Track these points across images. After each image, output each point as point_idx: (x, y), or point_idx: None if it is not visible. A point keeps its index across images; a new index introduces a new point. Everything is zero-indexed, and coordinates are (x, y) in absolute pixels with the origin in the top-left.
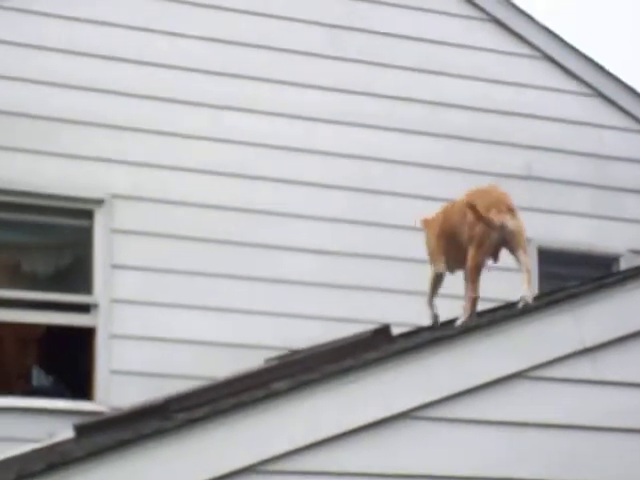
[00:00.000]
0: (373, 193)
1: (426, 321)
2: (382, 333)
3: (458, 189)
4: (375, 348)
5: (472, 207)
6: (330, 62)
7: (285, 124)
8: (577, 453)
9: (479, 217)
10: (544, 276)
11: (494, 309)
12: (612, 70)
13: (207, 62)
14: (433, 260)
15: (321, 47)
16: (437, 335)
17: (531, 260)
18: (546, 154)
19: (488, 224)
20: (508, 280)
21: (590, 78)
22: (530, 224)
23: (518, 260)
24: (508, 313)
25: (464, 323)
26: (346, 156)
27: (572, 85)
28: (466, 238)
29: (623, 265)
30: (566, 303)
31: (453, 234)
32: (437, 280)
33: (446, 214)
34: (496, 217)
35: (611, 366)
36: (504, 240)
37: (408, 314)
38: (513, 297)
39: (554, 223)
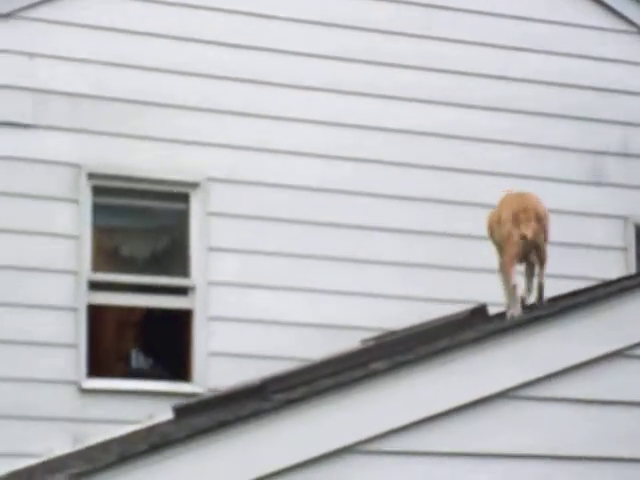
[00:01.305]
0: (464, 172)
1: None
2: (479, 313)
3: (552, 167)
4: (472, 328)
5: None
6: (418, 41)
7: (376, 104)
8: None
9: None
10: None
11: (590, 288)
12: None
13: (300, 44)
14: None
15: (404, 25)
16: (534, 314)
17: (629, 238)
18: None
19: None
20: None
21: None
22: (626, 201)
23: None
24: (606, 292)
25: (511, 314)
26: (432, 135)
27: None
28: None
29: None
30: None
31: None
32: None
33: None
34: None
35: None
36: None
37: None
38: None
39: None
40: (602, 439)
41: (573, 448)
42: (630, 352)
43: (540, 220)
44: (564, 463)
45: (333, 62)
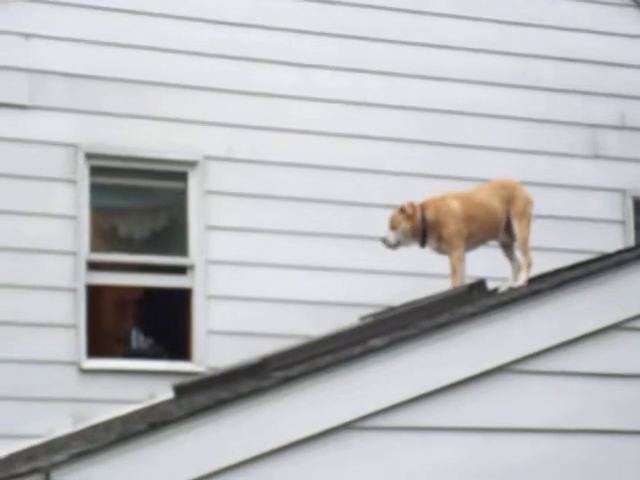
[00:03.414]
0: (461, 147)
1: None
2: (478, 288)
3: (550, 141)
4: (471, 303)
5: None
6: (417, 17)
7: (375, 81)
8: None
9: None
10: None
11: (588, 261)
12: None
13: (299, 21)
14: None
15: (408, 2)
16: (534, 288)
17: (627, 211)
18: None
19: None
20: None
21: None
22: (624, 174)
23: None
24: (604, 265)
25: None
26: (430, 110)
27: None
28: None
29: None
30: None
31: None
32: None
33: (470, 197)
34: None
35: None
36: None
37: (503, 269)
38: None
39: None
40: (601, 412)
41: (574, 421)
42: (629, 325)
43: None
44: (564, 436)
45: (328, 38)
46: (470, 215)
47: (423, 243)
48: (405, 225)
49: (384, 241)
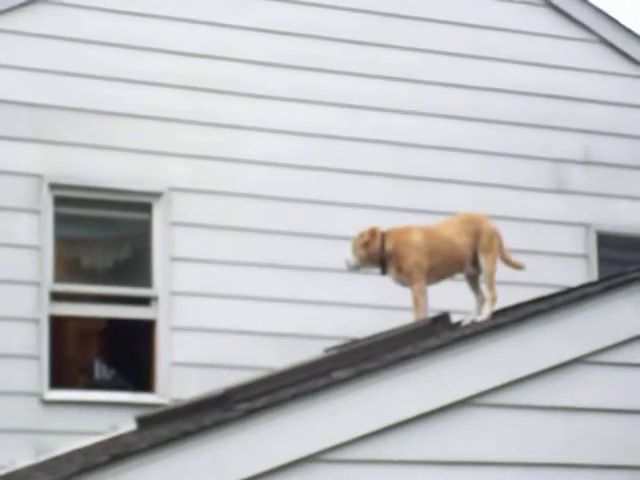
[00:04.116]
0: (425, 181)
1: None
2: (441, 321)
3: (514, 175)
4: (434, 336)
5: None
6: (374, 49)
7: (337, 113)
8: (637, 437)
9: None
10: (603, 261)
11: (552, 295)
12: None
13: (259, 53)
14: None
15: (365, 35)
16: (498, 321)
17: (590, 245)
18: (604, 138)
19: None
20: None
21: None
22: (588, 209)
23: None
24: (567, 299)
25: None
26: (394, 143)
27: (630, 68)
28: (476, 247)
29: None
30: (625, 288)
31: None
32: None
33: (435, 230)
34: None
35: None
36: None
37: (467, 302)
38: None
39: (613, 207)
40: (563, 446)
41: (536, 455)
42: (592, 359)
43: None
44: (527, 470)
45: (292, 71)
46: (433, 249)
47: (383, 271)
48: (361, 251)
49: (346, 263)
